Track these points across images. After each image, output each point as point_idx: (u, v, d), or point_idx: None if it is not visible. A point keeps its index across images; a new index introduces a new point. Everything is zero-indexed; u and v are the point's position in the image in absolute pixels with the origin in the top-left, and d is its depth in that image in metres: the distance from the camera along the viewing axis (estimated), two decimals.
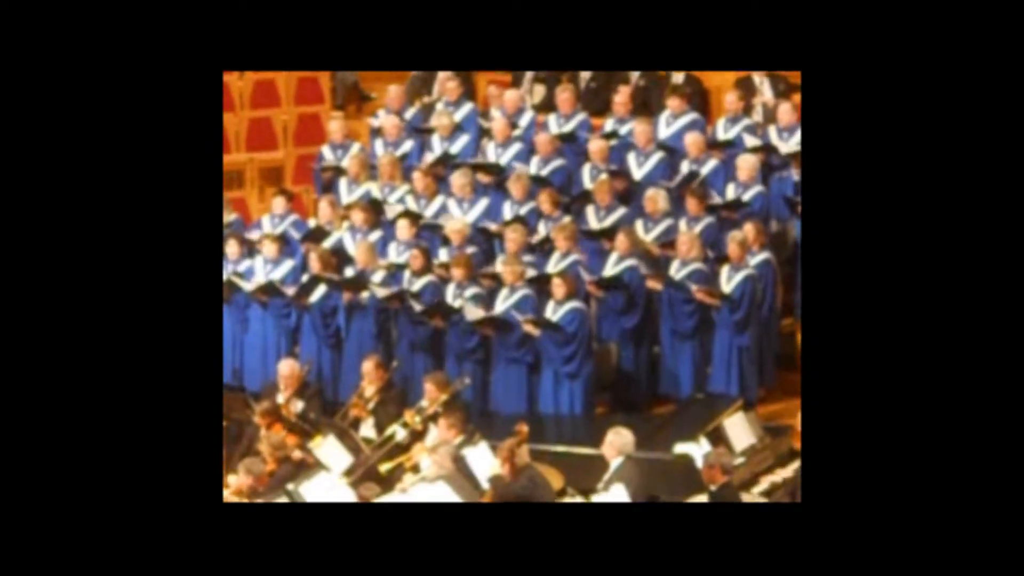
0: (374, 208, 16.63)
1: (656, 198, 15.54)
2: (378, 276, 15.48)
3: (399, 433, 13.69)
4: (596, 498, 11.28)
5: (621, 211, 15.86)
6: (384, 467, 13.36)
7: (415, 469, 13.03)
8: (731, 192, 15.86)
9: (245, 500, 12.03)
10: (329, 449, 13.43)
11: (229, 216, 17.58)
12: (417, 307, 14.89)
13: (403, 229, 15.97)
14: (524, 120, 17.61)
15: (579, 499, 11.94)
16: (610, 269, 15.09)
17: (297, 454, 13.32)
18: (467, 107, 18.02)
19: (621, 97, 17.34)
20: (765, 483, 12.61)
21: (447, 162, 17.03)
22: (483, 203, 16.38)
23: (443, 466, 11.78)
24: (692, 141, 16.24)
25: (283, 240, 16.50)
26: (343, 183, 17.38)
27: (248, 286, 16.04)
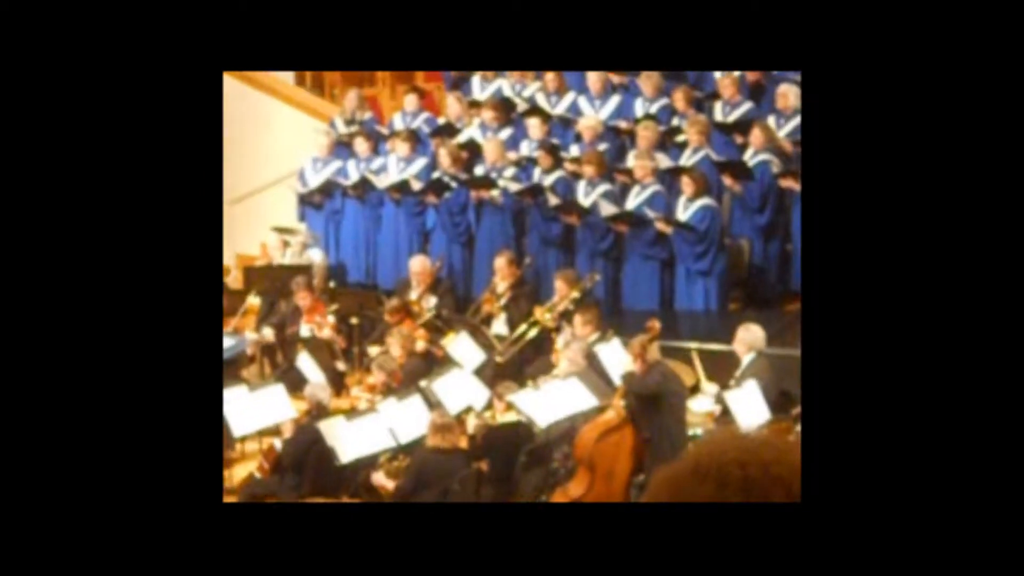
0: (505, 105, 16.62)
1: (788, 94, 15.32)
2: (508, 172, 15.47)
3: (531, 331, 13.75)
4: (729, 394, 11.26)
5: (748, 106, 15.68)
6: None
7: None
8: None
9: (378, 397, 12.17)
10: (461, 345, 13.51)
11: (364, 114, 17.70)
12: (553, 200, 14.83)
13: (534, 127, 15.95)
14: None
15: (714, 387, 11.92)
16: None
17: (421, 346, 13.45)
18: None
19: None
20: None
21: None
22: (615, 100, 16.27)
23: (575, 363, 11.81)
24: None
25: (415, 137, 16.56)
26: (475, 80, 17.37)
27: (381, 183, 16.13)
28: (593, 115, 16.00)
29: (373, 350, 13.35)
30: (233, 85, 16.34)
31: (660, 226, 14.35)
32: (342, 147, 17.13)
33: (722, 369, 12.08)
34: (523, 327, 13.81)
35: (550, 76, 16.56)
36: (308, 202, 16.86)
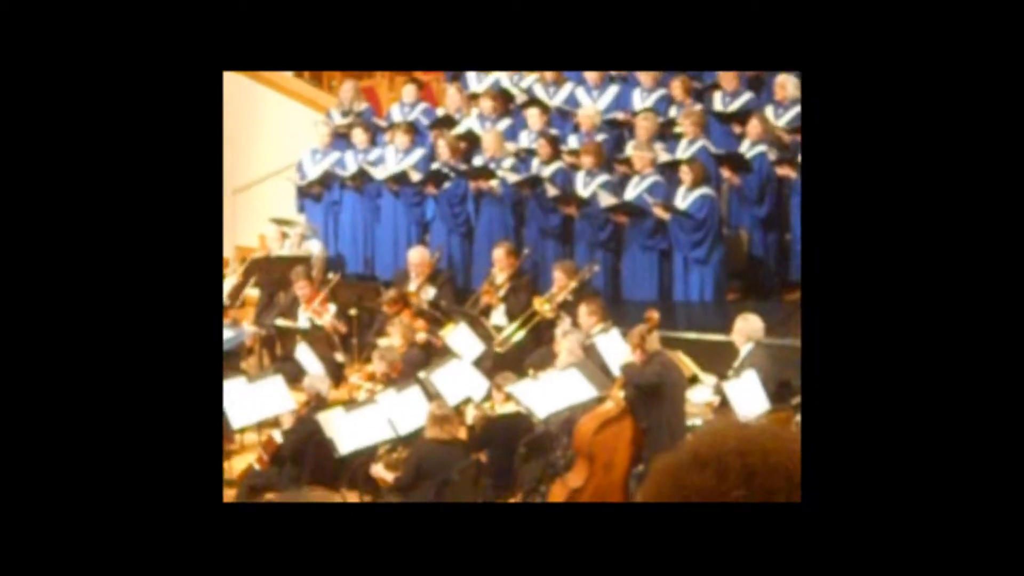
0: (503, 96, 16.61)
1: (786, 84, 15.31)
2: (507, 163, 15.47)
3: (529, 323, 13.75)
4: (727, 384, 11.27)
5: (748, 96, 15.67)
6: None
7: None
8: None
9: (378, 387, 12.18)
10: (460, 336, 13.51)
11: (360, 106, 17.69)
12: (552, 191, 14.83)
13: (532, 117, 15.94)
14: None
15: (713, 378, 11.92)
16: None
17: (422, 336, 13.46)
18: None
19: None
20: None
21: None
22: (613, 91, 16.27)
23: (574, 353, 11.81)
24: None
25: (414, 129, 16.56)
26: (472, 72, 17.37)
27: (379, 174, 16.13)
28: (591, 106, 16.00)
29: (383, 342, 13.36)
30: (232, 78, 16.32)
31: (658, 212, 14.35)
32: (340, 138, 17.13)
33: (720, 359, 12.09)
34: (521, 319, 13.81)
35: None
36: (307, 193, 16.86)
